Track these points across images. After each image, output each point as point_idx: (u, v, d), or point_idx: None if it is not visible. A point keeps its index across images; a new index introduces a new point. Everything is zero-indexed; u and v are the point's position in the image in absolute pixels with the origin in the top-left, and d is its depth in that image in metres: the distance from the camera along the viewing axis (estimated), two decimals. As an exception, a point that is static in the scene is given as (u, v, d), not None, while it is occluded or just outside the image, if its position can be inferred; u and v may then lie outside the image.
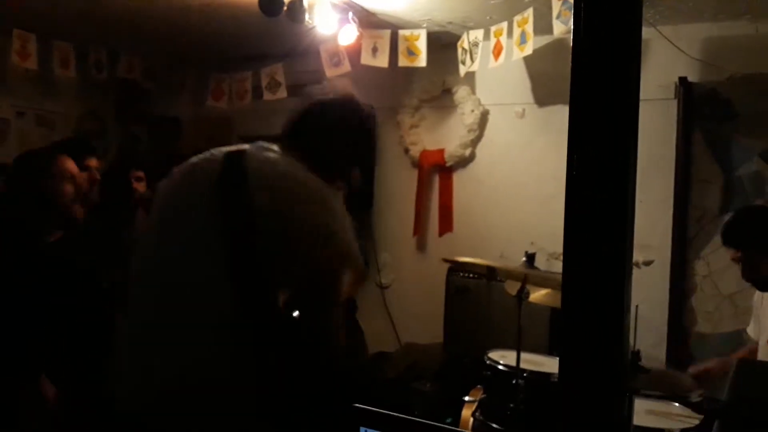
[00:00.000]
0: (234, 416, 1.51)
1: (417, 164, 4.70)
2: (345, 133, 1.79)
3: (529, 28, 3.55)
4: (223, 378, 1.51)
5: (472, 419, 2.84)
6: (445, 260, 3.09)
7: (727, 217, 3.09)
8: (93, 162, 3.09)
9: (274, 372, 1.53)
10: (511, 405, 2.68)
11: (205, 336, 1.53)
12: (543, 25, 3.58)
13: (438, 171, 4.66)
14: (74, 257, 2.51)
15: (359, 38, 3.95)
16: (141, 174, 3.59)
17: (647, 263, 3.87)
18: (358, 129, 1.83)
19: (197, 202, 1.61)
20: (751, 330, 2.89)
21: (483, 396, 2.90)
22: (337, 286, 1.61)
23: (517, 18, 3.62)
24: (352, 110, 1.83)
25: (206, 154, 1.72)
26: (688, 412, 2.50)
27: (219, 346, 1.52)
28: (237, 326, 1.51)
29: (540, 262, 3.31)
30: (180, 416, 1.52)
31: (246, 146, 1.71)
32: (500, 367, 2.80)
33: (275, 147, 1.74)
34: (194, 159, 1.73)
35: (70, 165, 2.53)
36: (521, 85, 4.33)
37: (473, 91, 4.48)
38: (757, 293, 2.81)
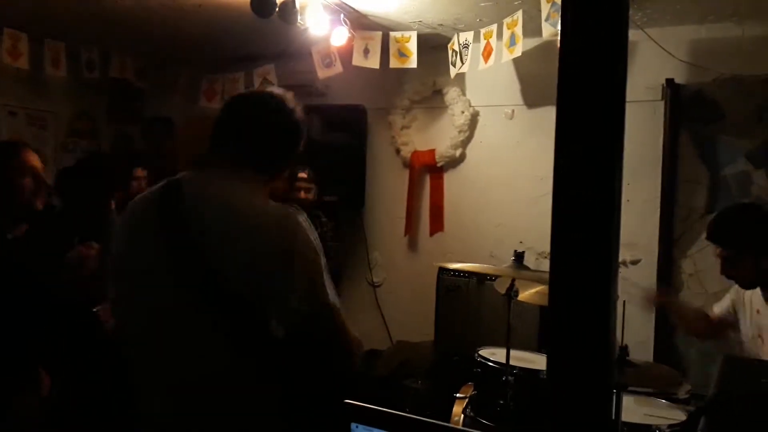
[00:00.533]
0: (244, 417, 1.51)
1: (408, 164, 4.73)
2: (266, 124, 1.68)
3: (519, 30, 3.57)
4: (231, 385, 1.50)
5: (462, 416, 2.87)
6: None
7: (713, 216, 3.12)
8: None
9: (289, 380, 1.52)
10: (501, 401, 2.71)
11: (202, 363, 1.50)
12: (532, 27, 3.61)
13: (429, 171, 4.69)
14: (37, 252, 2.48)
15: (351, 40, 3.97)
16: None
17: (634, 262, 3.92)
18: (281, 119, 1.69)
19: (144, 240, 1.57)
20: (717, 306, 2.89)
21: (474, 393, 2.93)
22: (316, 292, 1.50)
23: (507, 20, 3.64)
24: (272, 102, 1.70)
25: (150, 188, 1.67)
26: (675, 407, 2.54)
27: (219, 365, 1.49)
28: (235, 351, 1.47)
29: (529, 261, 3.34)
30: (191, 416, 1.52)
31: (182, 175, 1.64)
32: (490, 364, 2.83)
33: (219, 169, 1.66)
34: (139, 195, 1.69)
35: (33, 159, 2.48)
36: (511, 86, 4.37)
37: (463, 93, 4.51)
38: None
